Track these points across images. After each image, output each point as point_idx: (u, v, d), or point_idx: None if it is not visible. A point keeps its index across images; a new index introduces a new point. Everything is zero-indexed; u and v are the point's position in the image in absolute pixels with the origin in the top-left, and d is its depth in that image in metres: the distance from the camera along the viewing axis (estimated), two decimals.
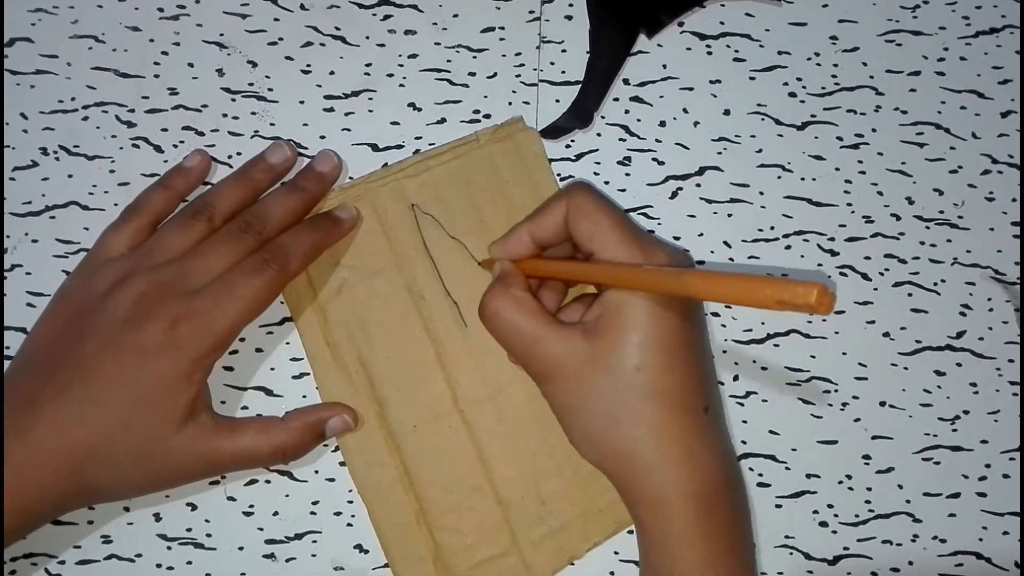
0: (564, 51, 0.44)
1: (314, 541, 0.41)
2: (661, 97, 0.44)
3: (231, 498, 0.41)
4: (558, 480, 0.41)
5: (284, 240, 0.38)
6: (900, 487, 0.42)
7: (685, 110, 0.44)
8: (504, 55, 0.43)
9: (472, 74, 0.43)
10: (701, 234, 0.43)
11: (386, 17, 0.43)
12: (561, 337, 0.35)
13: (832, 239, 0.43)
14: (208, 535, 0.41)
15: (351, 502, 0.41)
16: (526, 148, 0.42)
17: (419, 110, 0.43)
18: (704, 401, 0.36)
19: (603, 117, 0.43)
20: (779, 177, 0.43)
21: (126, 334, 0.35)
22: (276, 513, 0.41)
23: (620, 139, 0.43)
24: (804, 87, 0.44)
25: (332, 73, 0.43)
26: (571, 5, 0.44)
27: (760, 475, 0.42)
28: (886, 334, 0.43)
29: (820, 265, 0.43)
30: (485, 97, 0.43)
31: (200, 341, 0.36)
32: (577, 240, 0.37)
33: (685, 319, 0.35)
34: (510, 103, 0.43)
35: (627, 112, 0.44)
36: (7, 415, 0.35)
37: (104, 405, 0.35)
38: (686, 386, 0.35)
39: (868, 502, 0.42)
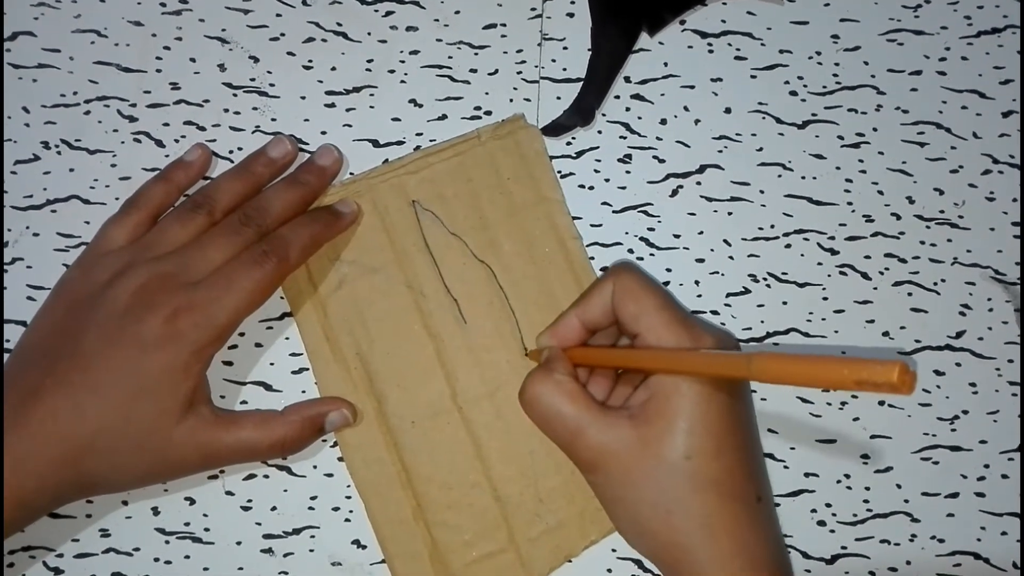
0: (566, 48, 0.44)
1: (312, 536, 0.41)
2: (662, 95, 0.44)
3: (229, 492, 0.41)
4: (556, 478, 0.41)
5: (284, 232, 0.38)
6: (899, 487, 0.42)
7: (686, 108, 0.44)
8: (506, 52, 0.43)
9: (473, 71, 0.43)
10: (701, 232, 0.43)
11: (388, 13, 0.44)
12: (607, 424, 0.34)
13: (832, 238, 0.43)
14: (206, 529, 0.41)
15: (349, 497, 0.41)
16: (527, 146, 0.42)
17: (420, 106, 0.43)
18: (756, 490, 0.35)
19: (604, 115, 0.44)
20: (780, 176, 0.43)
21: (126, 326, 0.35)
22: (274, 508, 0.41)
23: (621, 136, 0.43)
24: (805, 86, 0.44)
25: (333, 69, 0.43)
26: (573, 3, 0.44)
27: None
28: (886, 333, 0.43)
29: (820, 264, 0.43)
30: (486, 94, 0.43)
31: (200, 333, 0.36)
32: (622, 321, 0.36)
33: (734, 398, 0.35)
34: (511, 100, 0.43)
35: (628, 110, 0.44)
36: (6, 406, 0.35)
37: (104, 396, 0.35)
38: (736, 473, 0.34)
39: (866, 501, 0.42)
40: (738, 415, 0.35)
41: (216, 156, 0.42)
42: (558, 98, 0.43)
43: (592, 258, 0.42)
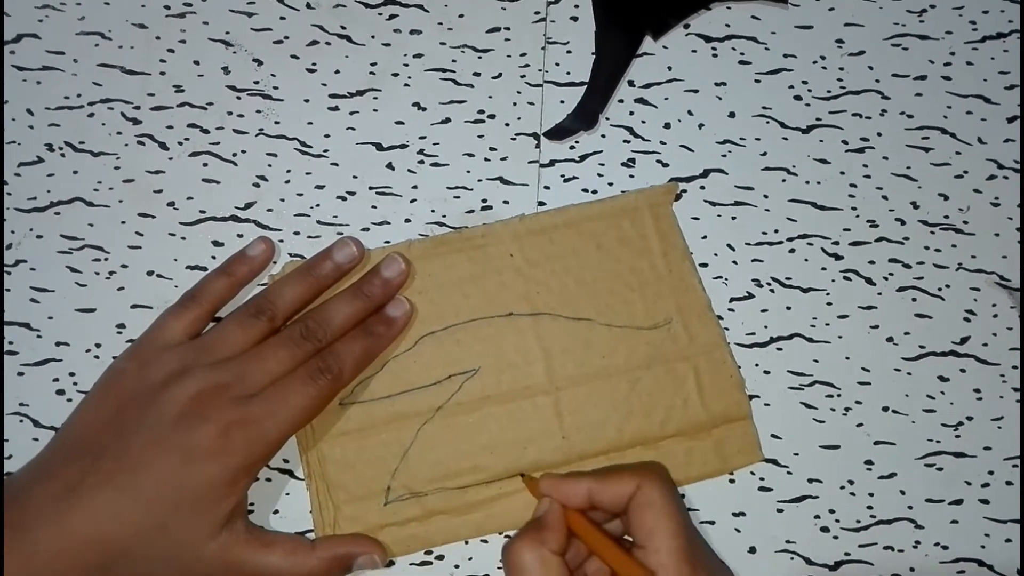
0: (569, 52, 0.44)
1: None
2: (666, 99, 0.44)
3: None
4: None
5: (339, 348, 0.38)
6: (902, 493, 0.42)
7: (690, 112, 0.44)
8: (509, 56, 0.43)
9: (477, 74, 0.43)
10: (705, 237, 0.43)
11: (392, 17, 0.44)
12: None
13: (836, 243, 0.43)
14: None
15: None
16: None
17: (424, 110, 0.43)
18: None
19: (608, 119, 0.43)
20: (784, 180, 0.43)
21: (177, 433, 0.35)
22: (276, 511, 0.41)
23: (624, 141, 0.43)
24: (809, 90, 0.44)
25: (337, 72, 0.43)
26: (577, 7, 0.44)
27: (762, 479, 0.42)
28: (890, 339, 0.43)
29: (824, 269, 0.43)
30: (490, 97, 0.43)
31: (251, 448, 0.35)
32: (632, 526, 0.35)
33: None
34: (515, 104, 0.43)
35: (632, 114, 0.44)
36: (45, 497, 0.34)
37: (145, 504, 0.34)
38: None
39: (870, 508, 0.42)
40: None
41: (219, 159, 0.42)
42: (561, 102, 0.43)
43: None
